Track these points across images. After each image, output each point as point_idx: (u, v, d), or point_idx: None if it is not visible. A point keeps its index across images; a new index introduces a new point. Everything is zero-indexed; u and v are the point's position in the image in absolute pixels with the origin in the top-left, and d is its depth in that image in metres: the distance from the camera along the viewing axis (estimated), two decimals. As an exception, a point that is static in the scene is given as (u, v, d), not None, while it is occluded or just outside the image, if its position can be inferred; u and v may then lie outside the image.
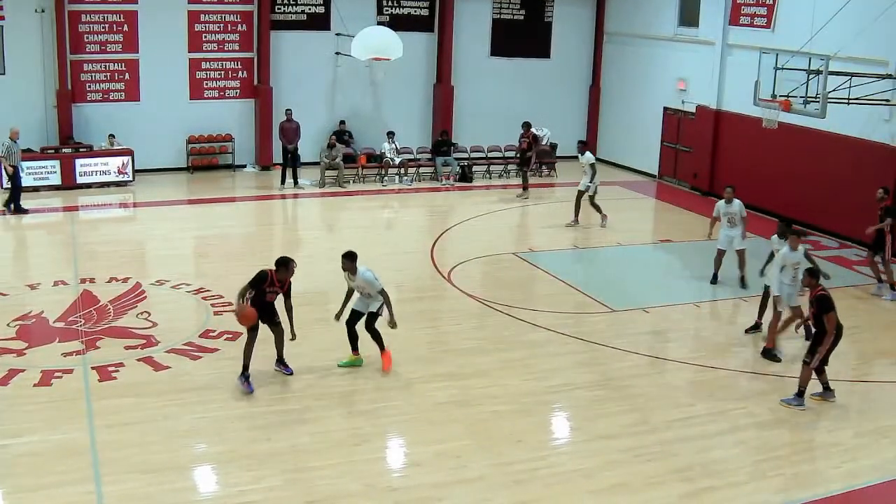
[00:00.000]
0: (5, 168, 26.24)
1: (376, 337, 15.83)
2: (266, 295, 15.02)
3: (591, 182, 26.02)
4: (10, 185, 26.20)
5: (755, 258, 19.99)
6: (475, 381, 15.64)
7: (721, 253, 21.40)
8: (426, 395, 15.07)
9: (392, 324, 15.68)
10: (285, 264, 15.23)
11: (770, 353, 17.13)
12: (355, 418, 14.17)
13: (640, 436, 13.98)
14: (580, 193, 26.46)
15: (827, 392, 15.35)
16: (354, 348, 15.97)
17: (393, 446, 13.69)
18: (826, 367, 15.08)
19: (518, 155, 31.98)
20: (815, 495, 12.49)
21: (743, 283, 21.18)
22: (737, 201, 21.17)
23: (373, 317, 15.80)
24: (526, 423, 14.31)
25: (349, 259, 15.74)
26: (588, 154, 26.45)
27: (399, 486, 12.30)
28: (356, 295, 16.02)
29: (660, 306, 20.09)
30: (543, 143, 33.73)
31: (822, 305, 14.69)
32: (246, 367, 14.87)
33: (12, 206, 26.05)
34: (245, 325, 15.00)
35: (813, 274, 15.20)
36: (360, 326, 15.81)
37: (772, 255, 17.76)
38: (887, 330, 19.13)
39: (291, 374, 15.50)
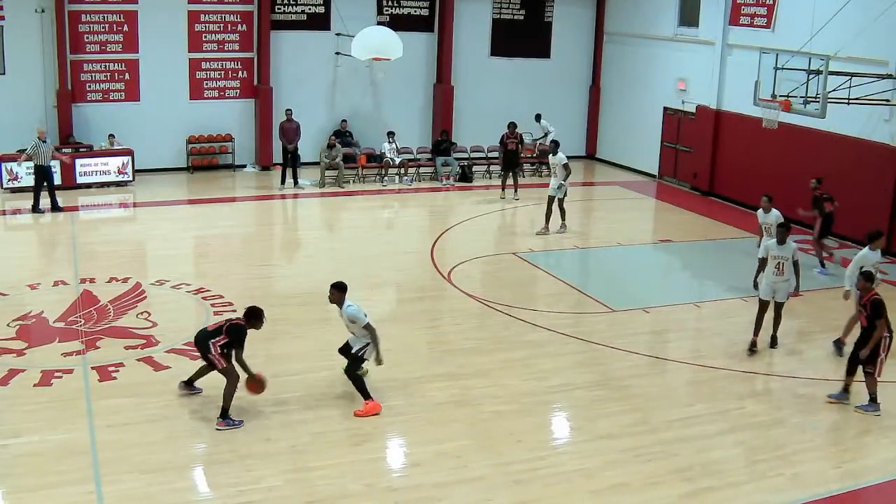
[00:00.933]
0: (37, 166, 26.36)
1: (358, 384, 14.58)
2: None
3: (563, 182, 25.45)
4: (45, 185, 26.44)
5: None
6: (475, 381, 15.64)
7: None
8: (426, 395, 15.07)
9: (378, 361, 14.61)
10: (260, 317, 14.07)
11: (838, 345, 17.56)
12: (355, 419, 14.14)
13: (640, 436, 13.99)
14: (552, 199, 25.51)
15: (844, 395, 15.37)
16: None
17: (393, 446, 13.69)
18: (856, 371, 15.22)
19: (501, 155, 30.87)
20: (815, 495, 12.49)
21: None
22: (774, 211, 20.78)
23: (356, 361, 14.67)
24: (526, 423, 14.31)
25: (337, 290, 14.46)
26: (561, 154, 25.83)
27: (399, 486, 12.30)
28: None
29: (660, 306, 20.09)
30: (547, 142, 33.74)
31: (877, 310, 14.74)
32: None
33: (43, 208, 26.38)
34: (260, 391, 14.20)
35: (868, 278, 15.25)
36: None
37: (762, 264, 17.45)
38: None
39: (201, 392, 14.66)
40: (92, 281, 20.15)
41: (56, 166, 27.37)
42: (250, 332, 14.00)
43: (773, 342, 17.72)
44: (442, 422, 14.19)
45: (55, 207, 26.44)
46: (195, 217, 27.38)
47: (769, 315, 17.57)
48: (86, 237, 24.28)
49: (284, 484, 12.18)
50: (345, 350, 14.98)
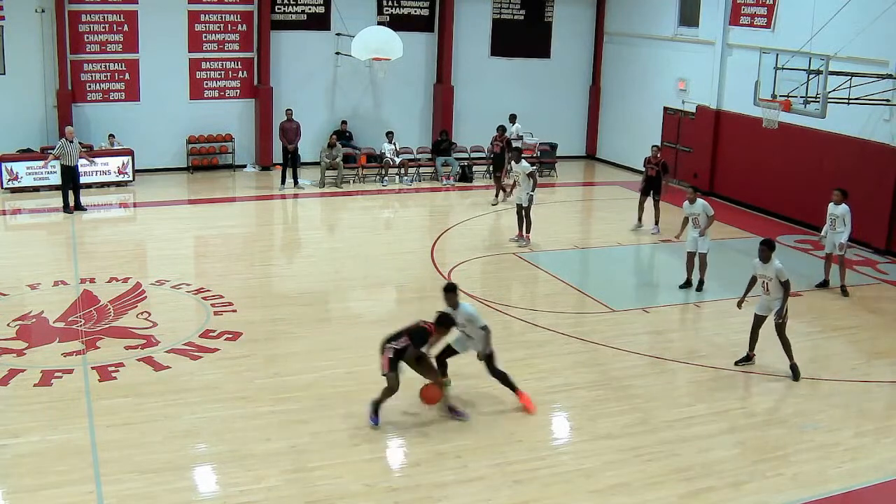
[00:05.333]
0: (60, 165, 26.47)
1: (504, 380, 14.71)
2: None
3: (532, 192, 24.39)
4: (66, 186, 26.61)
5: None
6: (475, 381, 15.59)
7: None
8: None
9: (480, 356, 14.66)
10: (450, 325, 14.10)
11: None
12: (355, 418, 14.13)
13: (641, 436, 13.98)
14: (524, 209, 24.42)
15: None
16: (443, 374, 15.21)
17: (393, 446, 13.65)
18: None
19: (491, 157, 30.85)
20: (815, 495, 12.49)
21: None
22: (700, 201, 20.88)
23: (490, 359, 14.64)
24: (526, 423, 14.30)
25: (451, 292, 14.54)
26: (524, 163, 24.80)
27: (399, 486, 12.29)
28: (455, 331, 14.81)
29: (660, 306, 20.11)
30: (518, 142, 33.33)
31: None
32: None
33: (72, 205, 26.53)
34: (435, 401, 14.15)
35: None
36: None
37: (752, 283, 16.68)
38: (887, 330, 19.14)
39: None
40: (92, 281, 20.15)
41: (85, 165, 27.46)
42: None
43: (793, 372, 16.26)
44: (442, 422, 14.18)
45: (78, 206, 26.57)
46: (195, 217, 27.40)
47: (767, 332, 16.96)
48: (86, 237, 24.31)
49: (284, 484, 12.18)
50: (445, 355, 14.97)
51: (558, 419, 14.98)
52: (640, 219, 26.56)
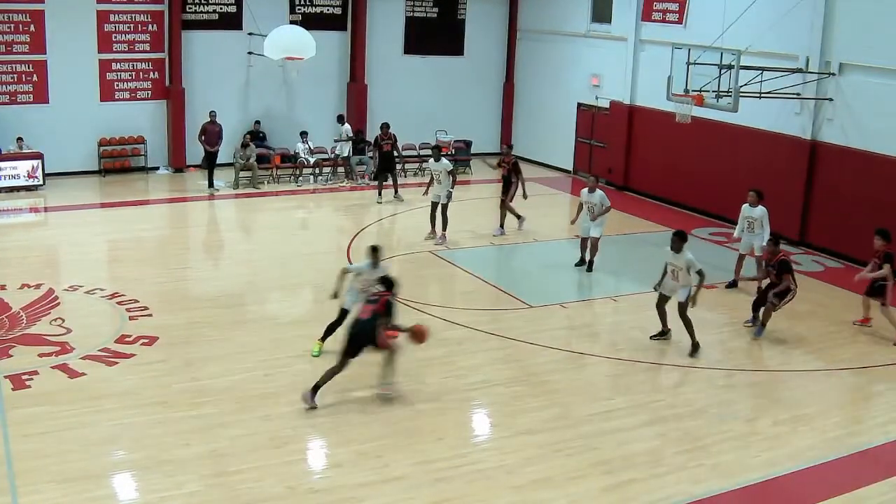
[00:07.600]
0: None
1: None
2: None
3: (451, 189, 24.48)
4: None
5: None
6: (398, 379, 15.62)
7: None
8: (345, 395, 14.97)
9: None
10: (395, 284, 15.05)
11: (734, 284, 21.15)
12: (274, 421, 14.06)
13: (561, 430, 14.08)
14: (442, 206, 24.49)
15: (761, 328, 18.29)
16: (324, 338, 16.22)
17: (313, 448, 13.62)
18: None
19: (376, 158, 30.44)
20: (735, 484, 12.68)
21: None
22: (599, 192, 22.25)
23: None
24: (446, 421, 14.33)
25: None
26: (444, 160, 24.92)
27: (321, 488, 12.24)
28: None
29: (577, 301, 20.25)
30: (341, 149, 32.79)
31: (785, 267, 17.89)
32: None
33: None
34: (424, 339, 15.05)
35: (776, 243, 18.19)
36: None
37: (666, 269, 17.24)
38: (803, 320, 19.43)
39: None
40: (3, 288, 19.76)
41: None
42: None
43: (693, 349, 17.17)
44: (362, 422, 14.15)
45: None
46: (108, 221, 26.99)
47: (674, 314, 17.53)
48: (-4, 243, 23.91)
49: (206, 489, 12.07)
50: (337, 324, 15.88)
51: (478, 416, 15.06)
52: (501, 224, 26.03)
